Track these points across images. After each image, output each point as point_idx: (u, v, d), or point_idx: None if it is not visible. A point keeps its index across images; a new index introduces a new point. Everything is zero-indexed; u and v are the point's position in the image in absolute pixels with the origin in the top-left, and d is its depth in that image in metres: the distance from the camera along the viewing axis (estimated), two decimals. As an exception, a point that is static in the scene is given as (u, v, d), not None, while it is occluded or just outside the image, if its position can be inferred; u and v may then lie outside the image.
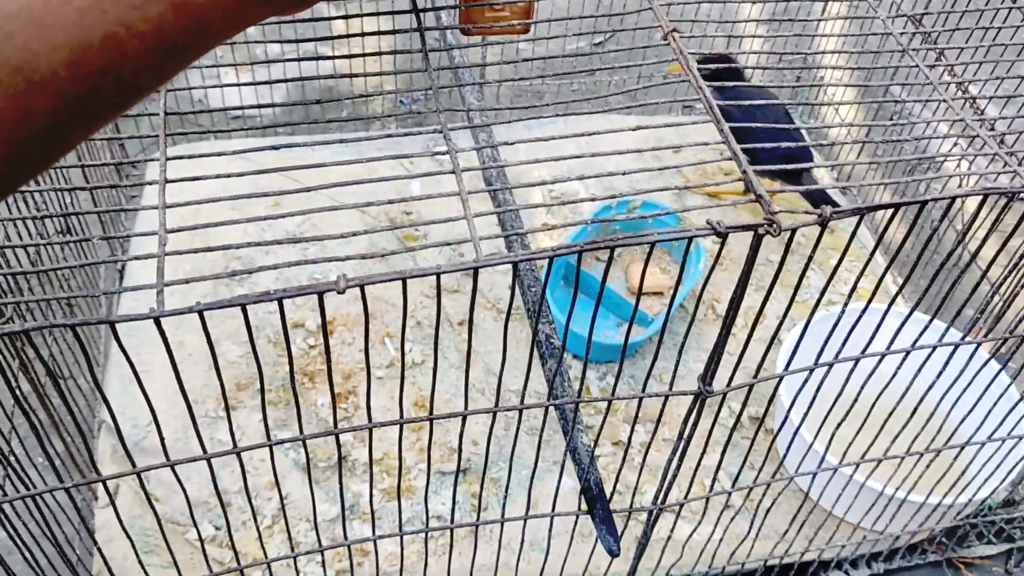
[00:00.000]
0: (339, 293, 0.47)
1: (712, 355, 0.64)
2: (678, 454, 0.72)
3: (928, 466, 0.92)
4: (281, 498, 0.72)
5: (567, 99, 0.85)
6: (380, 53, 0.66)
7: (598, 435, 0.80)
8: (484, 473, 0.77)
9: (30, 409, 0.61)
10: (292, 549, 0.79)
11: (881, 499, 1.01)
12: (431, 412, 0.64)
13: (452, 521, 0.80)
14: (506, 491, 0.81)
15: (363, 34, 0.66)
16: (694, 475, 0.81)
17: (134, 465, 0.61)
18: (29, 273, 0.58)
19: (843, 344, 0.68)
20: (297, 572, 0.85)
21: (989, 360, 0.93)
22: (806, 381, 0.70)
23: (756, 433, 0.80)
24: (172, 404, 0.79)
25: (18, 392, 0.59)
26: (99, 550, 0.74)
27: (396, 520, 1.11)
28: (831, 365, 0.69)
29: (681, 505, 0.83)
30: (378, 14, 0.68)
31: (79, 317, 0.51)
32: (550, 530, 0.84)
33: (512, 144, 0.63)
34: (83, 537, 1.04)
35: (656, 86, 0.78)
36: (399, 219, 1.46)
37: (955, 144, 1.40)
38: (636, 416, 0.71)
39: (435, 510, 1.14)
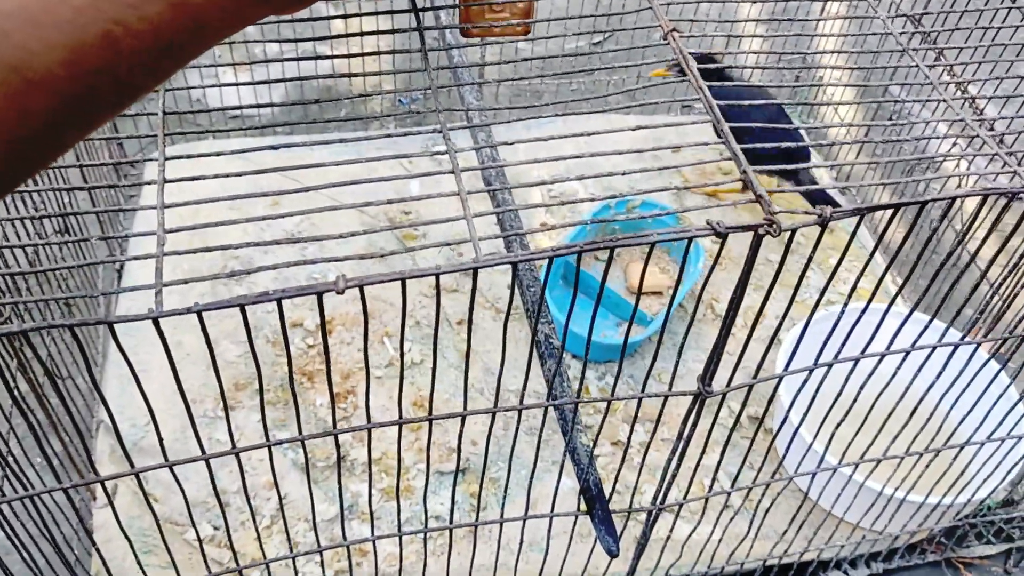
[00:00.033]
0: (338, 294, 0.47)
1: (712, 355, 0.64)
2: (677, 454, 0.72)
3: (927, 466, 0.91)
4: (280, 498, 0.72)
5: (566, 99, 0.84)
6: (379, 52, 0.66)
7: (597, 435, 0.80)
8: (483, 473, 0.77)
9: (28, 409, 0.60)
10: (291, 549, 0.79)
11: (880, 499, 1.01)
12: (430, 412, 0.64)
13: (451, 521, 0.80)
14: (505, 491, 0.81)
15: (362, 33, 0.66)
16: (693, 475, 0.81)
17: (132, 465, 0.61)
18: (27, 273, 0.58)
19: (843, 344, 0.68)
20: (296, 572, 0.85)
21: (989, 360, 0.93)
22: (806, 381, 0.70)
23: (755, 433, 0.80)
24: (170, 404, 0.79)
25: (16, 392, 0.59)
26: (97, 550, 0.74)
27: (395, 520, 1.10)
28: (831, 365, 0.69)
29: (680, 505, 0.83)
30: (377, 13, 0.68)
31: (77, 317, 0.51)
32: (549, 530, 0.83)
33: (511, 144, 0.63)
34: (81, 537, 1.04)
35: (655, 86, 0.78)
36: (398, 219, 1.46)
37: (954, 144, 1.40)
38: (635, 416, 0.71)
39: (434, 510, 1.14)
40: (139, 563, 0.75)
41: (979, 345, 0.79)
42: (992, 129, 0.98)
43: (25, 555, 0.75)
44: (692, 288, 1.38)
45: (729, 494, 0.85)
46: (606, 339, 1.34)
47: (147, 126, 1.65)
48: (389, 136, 0.62)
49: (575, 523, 0.85)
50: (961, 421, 0.92)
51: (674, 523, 0.92)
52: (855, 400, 0.76)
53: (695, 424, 0.69)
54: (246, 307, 0.49)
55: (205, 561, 0.75)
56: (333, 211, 0.54)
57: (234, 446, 0.62)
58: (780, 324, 0.62)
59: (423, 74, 0.63)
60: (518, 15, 0.69)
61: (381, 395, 1.25)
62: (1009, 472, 1.02)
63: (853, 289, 0.63)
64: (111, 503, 0.64)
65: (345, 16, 0.69)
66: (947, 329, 0.81)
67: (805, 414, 0.77)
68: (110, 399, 1.15)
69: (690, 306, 1.41)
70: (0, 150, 0.30)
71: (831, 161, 1.63)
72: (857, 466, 0.89)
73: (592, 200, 0.67)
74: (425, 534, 0.81)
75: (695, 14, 1.74)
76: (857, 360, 0.71)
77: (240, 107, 1.27)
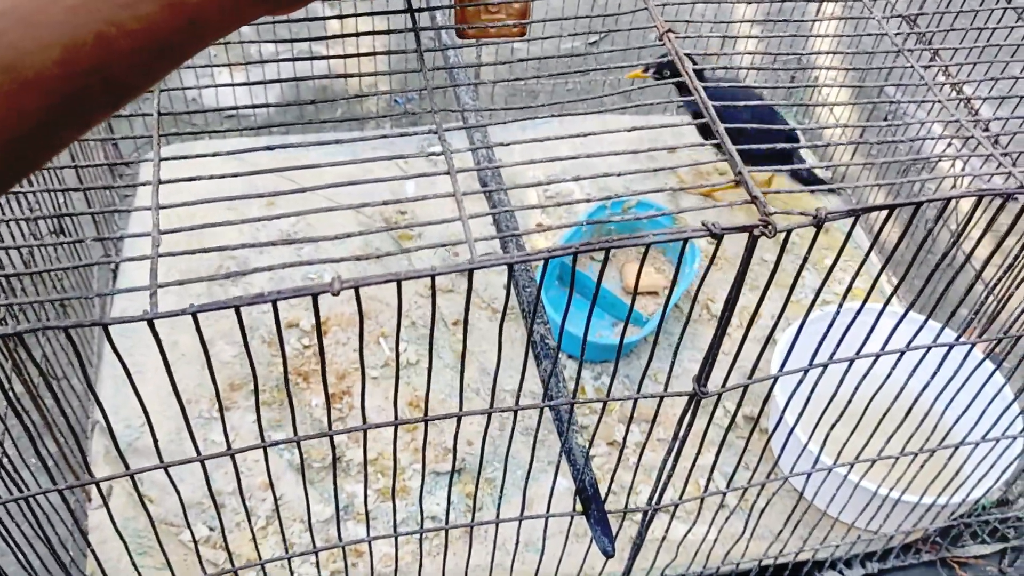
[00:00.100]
0: (334, 295, 0.47)
1: (707, 355, 0.64)
2: (673, 454, 0.72)
3: (922, 466, 0.92)
4: (275, 499, 0.72)
5: (562, 99, 0.85)
6: (375, 53, 0.66)
7: (593, 435, 0.80)
8: (479, 473, 0.77)
9: (23, 410, 0.60)
10: (286, 550, 0.78)
11: (875, 499, 1.02)
12: (426, 413, 0.64)
13: (447, 522, 0.80)
14: (501, 491, 0.81)
15: (358, 34, 0.66)
16: (689, 475, 0.81)
17: (127, 466, 0.61)
18: (22, 274, 0.58)
19: (838, 344, 0.68)
20: (291, 573, 0.85)
21: (983, 360, 0.93)
22: (801, 381, 0.70)
23: (751, 433, 0.80)
24: (165, 405, 0.78)
25: (11, 393, 0.59)
26: (92, 552, 0.74)
27: (391, 521, 1.10)
28: (826, 365, 0.69)
29: (676, 505, 0.83)
30: (373, 14, 0.68)
31: (72, 318, 0.51)
32: (545, 530, 0.83)
33: (507, 145, 0.63)
34: (76, 539, 1.04)
35: (651, 86, 0.78)
36: (394, 220, 1.45)
37: (949, 145, 1.40)
38: (631, 416, 0.71)
39: (430, 511, 1.14)
40: (134, 564, 0.75)
41: (974, 345, 0.79)
42: (987, 130, 0.98)
43: (20, 557, 0.75)
44: (688, 288, 1.38)
45: (725, 494, 0.85)
46: (602, 339, 1.34)
47: (142, 126, 1.65)
48: (385, 137, 0.62)
49: (571, 523, 0.85)
50: (956, 421, 0.92)
51: (670, 523, 0.92)
52: (850, 400, 0.76)
53: (691, 424, 0.69)
54: (241, 308, 0.49)
55: (200, 562, 0.75)
56: (329, 212, 0.54)
57: (229, 447, 0.62)
58: (776, 324, 0.62)
59: (419, 75, 0.63)
60: (514, 16, 0.69)
61: (377, 396, 1.25)
62: (1004, 472, 1.03)
63: (848, 289, 0.63)
64: (106, 504, 0.64)
65: (341, 16, 0.69)
66: (942, 329, 0.81)
67: (800, 414, 0.77)
68: (105, 400, 1.15)
69: (686, 306, 1.42)
70: (-6, 150, 0.30)
71: (826, 162, 1.64)
72: (852, 466, 0.89)
73: (588, 201, 0.67)
74: (421, 535, 0.81)
75: (691, 15, 1.74)
76: (852, 360, 0.71)
77: (236, 108, 1.27)
